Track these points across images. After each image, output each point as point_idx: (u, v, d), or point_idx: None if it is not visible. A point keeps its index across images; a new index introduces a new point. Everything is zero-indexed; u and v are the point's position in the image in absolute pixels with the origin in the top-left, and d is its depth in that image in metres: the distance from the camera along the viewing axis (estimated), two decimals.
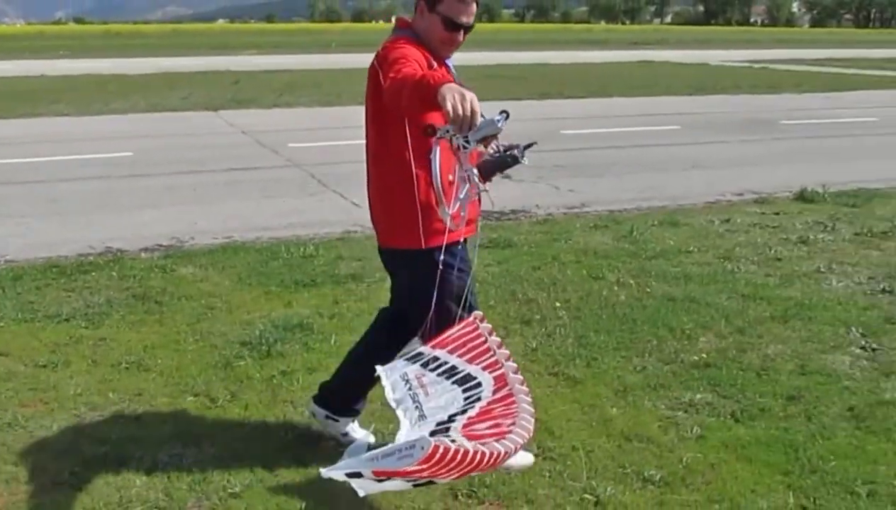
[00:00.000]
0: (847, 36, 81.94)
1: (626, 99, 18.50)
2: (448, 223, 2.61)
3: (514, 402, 2.49)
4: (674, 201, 8.26)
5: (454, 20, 2.89)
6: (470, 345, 2.71)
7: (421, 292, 2.87)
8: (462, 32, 2.94)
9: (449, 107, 2.33)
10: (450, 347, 2.69)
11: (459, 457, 2.16)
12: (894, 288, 5.45)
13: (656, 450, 3.47)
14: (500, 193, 8.54)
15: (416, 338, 2.88)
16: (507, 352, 2.66)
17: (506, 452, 2.25)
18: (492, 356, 2.65)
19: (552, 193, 8.80)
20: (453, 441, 2.12)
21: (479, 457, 2.19)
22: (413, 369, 2.64)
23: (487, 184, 2.70)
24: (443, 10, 2.88)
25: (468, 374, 2.60)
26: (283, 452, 3.43)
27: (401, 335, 3.22)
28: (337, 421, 3.45)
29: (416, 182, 2.91)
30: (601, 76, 25.35)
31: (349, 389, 3.42)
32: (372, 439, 3.49)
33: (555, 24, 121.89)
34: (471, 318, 2.78)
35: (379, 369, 2.61)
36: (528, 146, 2.90)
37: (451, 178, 2.57)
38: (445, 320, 2.79)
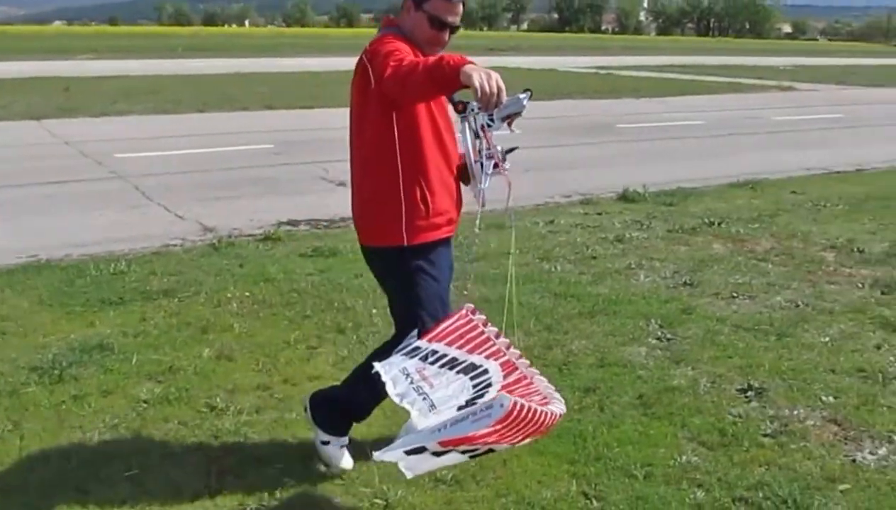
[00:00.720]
0: (689, 44, 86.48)
1: None
2: (481, 201, 2.68)
3: (531, 383, 2.63)
4: (503, 205, 8.42)
5: (440, 19, 2.93)
6: (468, 336, 2.76)
7: (401, 293, 3.03)
8: (448, 32, 2.98)
9: (476, 83, 2.41)
10: (447, 340, 2.73)
11: (531, 415, 2.31)
12: (695, 280, 5.77)
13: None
14: (331, 201, 8.61)
15: (413, 332, 2.87)
16: (507, 340, 2.79)
17: (560, 414, 2.47)
18: (492, 345, 2.73)
19: None
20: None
21: (543, 417, 2.36)
22: (412, 363, 2.67)
23: (507, 164, 2.85)
24: (429, 9, 2.93)
25: (471, 363, 2.66)
26: (63, 481, 3.27)
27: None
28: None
29: (401, 177, 2.93)
30: None
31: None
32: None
33: None
34: (463, 311, 2.84)
35: (377, 366, 2.67)
36: (510, 151, 3.00)
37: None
38: (411, 328, 2.92)
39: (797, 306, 5.32)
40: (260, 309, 5.23)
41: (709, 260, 6.32)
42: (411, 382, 2.62)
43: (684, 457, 3.46)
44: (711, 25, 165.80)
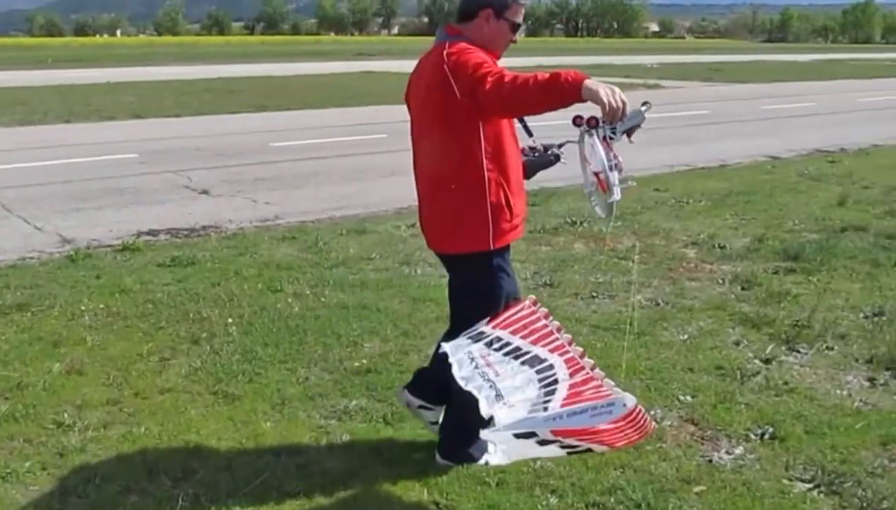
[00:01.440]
0: (557, 44, 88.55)
1: (341, 110, 18.72)
2: (613, 211, 2.74)
3: (601, 386, 2.64)
4: (367, 209, 8.35)
5: (517, 22, 3.10)
6: (531, 327, 2.85)
7: (482, 293, 3.13)
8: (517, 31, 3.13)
9: (604, 99, 2.56)
10: (512, 328, 2.83)
11: (642, 421, 2.44)
12: (555, 281, 5.79)
13: (301, 462, 3.47)
14: (194, 210, 8.31)
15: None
16: (569, 336, 2.85)
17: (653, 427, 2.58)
18: (556, 340, 2.79)
19: (248, 207, 8.60)
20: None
21: (647, 426, 2.51)
22: (477, 348, 2.77)
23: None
24: (510, 16, 3.07)
25: (536, 356, 2.74)
26: None
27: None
28: (431, 409, 3.53)
29: (487, 184, 3.01)
30: (322, 87, 25.50)
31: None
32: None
33: (284, 36, 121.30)
34: (527, 302, 2.97)
35: (444, 346, 2.82)
36: (562, 145, 3.33)
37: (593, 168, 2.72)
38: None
39: (657, 304, 5.40)
40: (114, 321, 5.09)
41: (570, 260, 6.37)
42: (476, 367, 2.71)
43: (538, 463, 3.41)
44: (580, 26, 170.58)
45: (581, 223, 7.50)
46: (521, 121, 3.25)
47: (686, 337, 4.82)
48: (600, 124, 2.65)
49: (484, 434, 2.59)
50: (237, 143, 13.34)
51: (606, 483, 3.27)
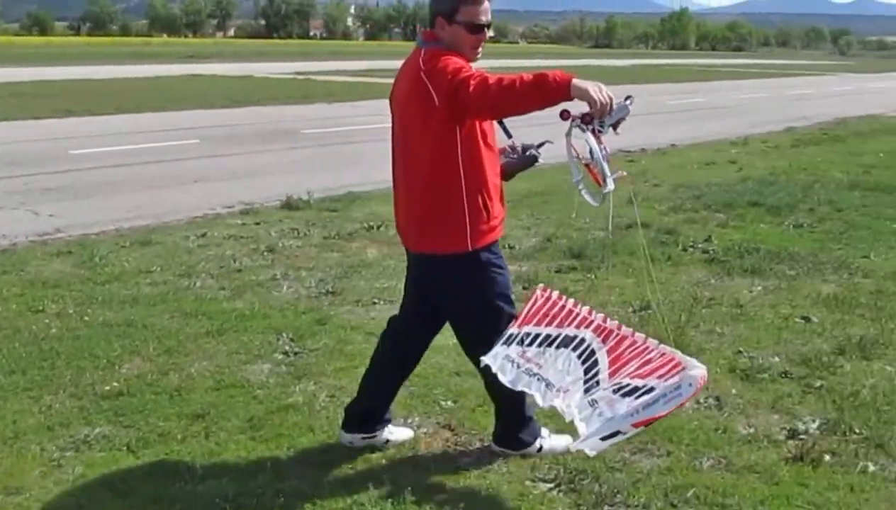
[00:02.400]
0: (395, 48, 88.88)
1: (157, 114, 17.95)
2: (608, 200, 2.87)
3: (635, 342, 2.82)
4: (159, 219, 7.97)
5: (475, 23, 3.08)
6: (551, 313, 3.00)
7: (472, 296, 3.20)
8: (485, 31, 3.13)
9: (594, 96, 2.72)
10: (535, 321, 2.98)
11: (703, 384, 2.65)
12: (339, 288, 5.70)
13: (20, 501, 3.20)
14: None
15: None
16: (588, 306, 3.01)
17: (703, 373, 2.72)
18: (577, 315, 2.95)
19: (28, 220, 8.04)
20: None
21: (703, 382, 2.71)
22: (513, 350, 2.93)
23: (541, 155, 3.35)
24: (462, 18, 3.07)
25: (566, 336, 2.89)
26: None
27: (414, 340, 3.55)
28: (374, 436, 3.53)
29: (464, 186, 3.09)
30: (142, 91, 24.43)
31: (375, 403, 3.55)
32: (409, 433, 3.66)
33: (112, 37, 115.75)
34: (538, 292, 3.12)
35: (484, 359, 2.98)
36: (541, 145, 3.45)
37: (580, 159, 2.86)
38: (496, 321, 3.18)
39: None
40: None
41: (359, 265, 6.28)
42: (518, 367, 2.87)
43: (286, 482, 3.30)
44: (418, 30, 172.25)
45: (378, 227, 7.43)
46: (500, 122, 3.29)
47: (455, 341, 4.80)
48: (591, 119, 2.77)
49: (575, 445, 2.72)
50: (33, 150, 12.54)
51: (349, 499, 3.18)
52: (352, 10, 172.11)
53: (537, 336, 2.93)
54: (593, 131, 2.81)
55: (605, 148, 2.82)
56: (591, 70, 43.72)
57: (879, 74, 50.29)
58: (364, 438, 3.52)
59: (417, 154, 3.15)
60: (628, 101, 2.88)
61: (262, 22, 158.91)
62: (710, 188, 9.67)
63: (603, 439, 2.68)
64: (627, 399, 2.70)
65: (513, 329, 2.99)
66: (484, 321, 3.21)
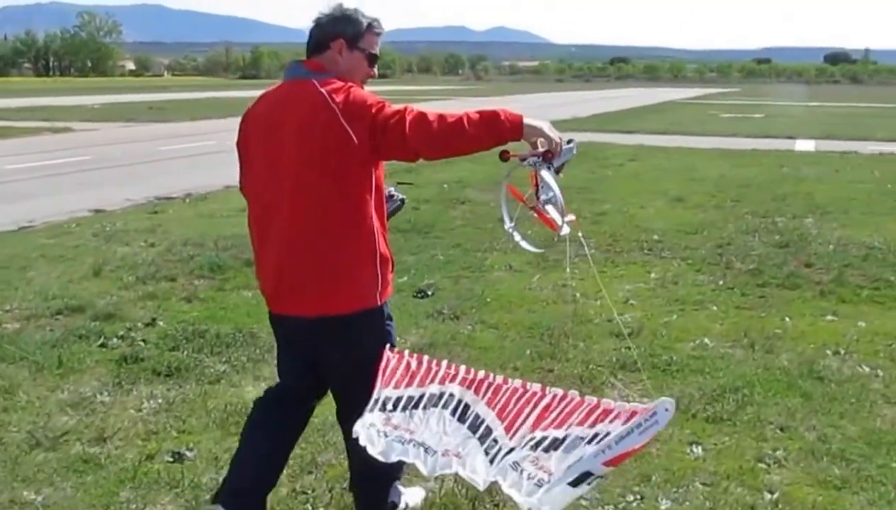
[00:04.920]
0: (20, 84, 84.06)
1: None
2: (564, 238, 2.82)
3: (517, 389, 2.64)
4: None
5: (373, 53, 3.07)
6: (409, 373, 2.83)
7: (371, 356, 2.87)
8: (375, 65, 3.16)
9: (551, 134, 2.78)
10: (393, 384, 2.79)
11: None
12: None
13: None
14: None
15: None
16: (446, 360, 2.87)
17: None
18: (437, 372, 2.79)
19: None
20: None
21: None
22: (376, 417, 2.70)
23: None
24: (364, 46, 3.04)
25: (431, 395, 2.73)
26: None
27: (298, 407, 3.29)
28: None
29: (375, 235, 2.97)
30: None
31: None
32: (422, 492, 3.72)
33: None
34: (389, 353, 2.91)
35: (355, 429, 2.64)
36: (396, 187, 3.47)
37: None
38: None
39: None
40: None
41: None
42: (386, 436, 2.62)
43: None
44: (51, 64, 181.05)
45: None
46: None
47: None
48: (531, 161, 2.82)
49: (536, 499, 2.25)
50: None
51: None
52: None
53: (399, 399, 2.70)
54: (542, 171, 2.81)
55: (552, 189, 2.83)
56: (214, 103, 41.73)
57: (503, 97, 57.38)
58: None
59: (323, 199, 2.89)
60: (572, 144, 2.92)
61: None
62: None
63: (572, 484, 2.33)
64: (555, 452, 2.44)
65: (374, 393, 2.75)
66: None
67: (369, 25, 3.04)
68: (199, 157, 18.18)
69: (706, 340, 5.80)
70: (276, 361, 3.42)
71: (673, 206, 11.66)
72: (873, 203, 11.73)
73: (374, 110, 2.80)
